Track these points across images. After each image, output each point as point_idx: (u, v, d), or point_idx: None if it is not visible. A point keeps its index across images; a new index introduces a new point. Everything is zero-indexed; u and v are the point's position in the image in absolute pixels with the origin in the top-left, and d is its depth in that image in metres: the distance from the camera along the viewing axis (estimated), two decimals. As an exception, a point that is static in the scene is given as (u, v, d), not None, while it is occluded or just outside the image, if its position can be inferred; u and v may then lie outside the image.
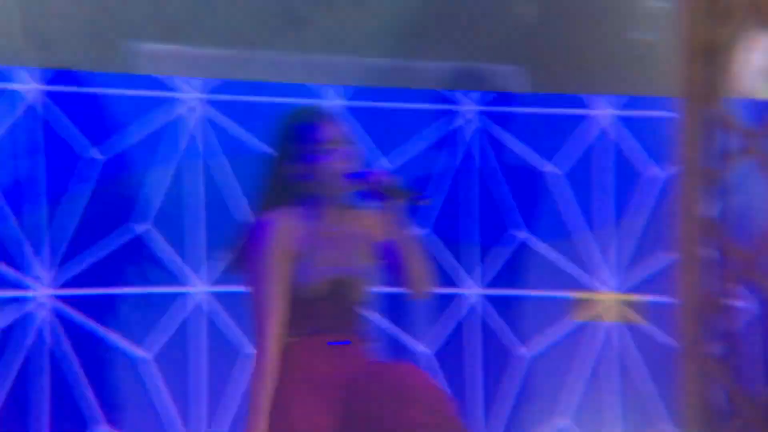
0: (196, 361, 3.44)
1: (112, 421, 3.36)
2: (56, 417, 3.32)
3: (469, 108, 3.57)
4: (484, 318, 3.58)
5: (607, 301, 3.61)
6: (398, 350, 3.52)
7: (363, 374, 2.34)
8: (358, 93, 3.58)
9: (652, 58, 3.38)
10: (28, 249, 3.32)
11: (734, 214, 2.41)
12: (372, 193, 2.33)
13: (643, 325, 3.59)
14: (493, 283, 3.58)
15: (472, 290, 3.57)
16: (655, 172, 3.60)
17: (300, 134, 2.38)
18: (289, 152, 2.39)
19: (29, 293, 3.32)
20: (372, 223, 2.39)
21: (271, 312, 2.36)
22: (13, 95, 3.34)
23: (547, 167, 3.65)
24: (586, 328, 3.61)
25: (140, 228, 3.40)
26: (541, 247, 3.58)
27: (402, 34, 3.52)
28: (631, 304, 3.60)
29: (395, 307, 3.47)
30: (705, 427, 2.22)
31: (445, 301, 3.56)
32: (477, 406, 3.55)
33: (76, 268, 3.37)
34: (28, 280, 3.32)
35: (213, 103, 3.51)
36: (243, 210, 3.48)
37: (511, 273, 3.60)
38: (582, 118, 3.62)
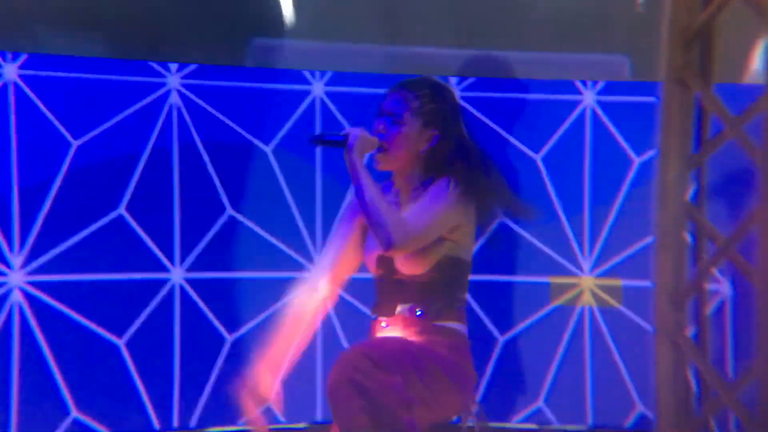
0: (169, 348, 3.43)
1: (84, 408, 3.34)
2: (26, 403, 3.29)
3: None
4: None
5: (582, 285, 3.63)
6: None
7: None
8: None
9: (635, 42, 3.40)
10: (-2, 233, 3.28)
11: (712, 199, 2.43)
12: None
13: (617, 309, 3.62)
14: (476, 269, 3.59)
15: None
16: (633, 156, 3.62)
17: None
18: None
19: (0, 279, 3.29)
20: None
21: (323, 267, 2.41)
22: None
23: (527, 151, 3.66)
24: (561, 311, 3.63)
25: (115, 213, 3.38)
26: (517, 231, 3.59)
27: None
28: (605, 288, 3.62)
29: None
30: (677, 409, 2.24)
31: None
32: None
33: (49, 253, 3.34)
34: (-1, 265, 3.29)
35: (189, 88, 3.48)
36: (218, 196, 3.47)
37: (487, 257, 3.61)
38: (562, 102, 3.63)
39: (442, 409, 2.32)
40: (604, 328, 3.65)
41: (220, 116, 3.51)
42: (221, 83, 3.52)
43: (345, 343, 3.54)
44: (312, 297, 2.40)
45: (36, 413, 3.29)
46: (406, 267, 2.32)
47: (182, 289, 3.44)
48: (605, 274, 3.64)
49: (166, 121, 3.47)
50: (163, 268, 3.42)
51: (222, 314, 3.49)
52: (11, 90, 3.32)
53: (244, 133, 3.54)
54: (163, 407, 3.42)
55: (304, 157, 3.56)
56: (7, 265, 3.31)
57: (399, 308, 2.34)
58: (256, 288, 3.52)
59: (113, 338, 3.39)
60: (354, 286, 3.60)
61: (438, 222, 2.33)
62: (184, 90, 3.48)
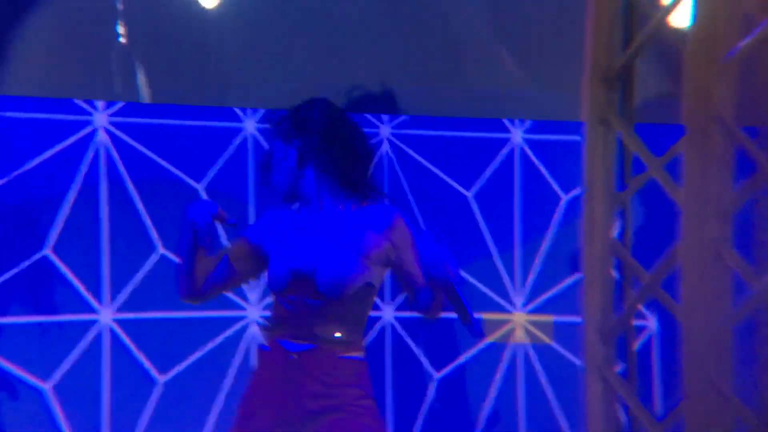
0: (97, 391, 3.35)
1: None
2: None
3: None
4: (393, 338, 3.58)
5: (514, 321, 3.66)
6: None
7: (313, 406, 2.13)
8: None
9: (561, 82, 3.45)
10: None
11: (637, 236, 2.47)
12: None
13: (549, 345, 3.65)
14: (404, 306, 3.59)
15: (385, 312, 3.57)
16: (561, 194, 3.67)
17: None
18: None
19: None
20: (378, 220, 2.19)
21: None
22: None
23: (458, 188, 3.69)
24: (494, 347, 3.65)
25: (39, 254, 3.30)
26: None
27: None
28: (537, 324, 3.65)
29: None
30: (609, 445, 2.26)
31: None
32: (388, 427, 3.54)
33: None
34: None
35: (119, 126, 3.43)
36: (149, 234, 3.42)
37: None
38: (491, 140, 3.67)
39: None
40: (536, 364, 3.68)
41: (150, 154, 3.47)
42: (150, 121, 3.48)
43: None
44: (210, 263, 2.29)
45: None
46: (330, 290, 2.20)
47: (111, 330, 3.37)
48: (537, 310, 3.67)
49: (93, 159, 3.41)
50: (91, 309, 3.35)
51: (153, 355, 3.42)
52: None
53: (174, 170, 3.50)
54: (91, 453, 3.33)
55: (235, 195, 3.53)
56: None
57: (317, 329, 2.19)
58: (188, 328, 3.46)
59: (38, 382, 3.29)
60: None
61: None
62: (111, 128, 3.43)
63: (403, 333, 3.60)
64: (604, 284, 2.42)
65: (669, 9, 2.26)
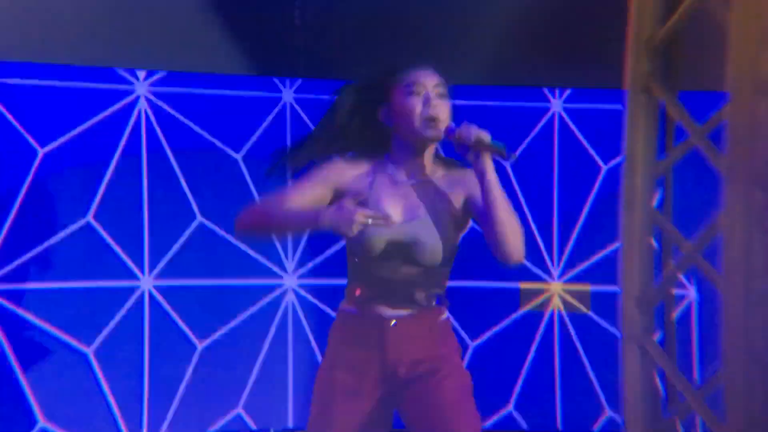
0: (139, 356, 3.40)
1: (51, 417, 3.30)
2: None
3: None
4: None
5: (551, 291, 3.66)
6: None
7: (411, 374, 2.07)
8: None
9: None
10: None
11: (677, 205, 2.46)
12: (461, 147, 2.10)
13: (586, 314, 3.65)
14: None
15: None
16: (601, 163, 3.65)
17: (393, 75, 2.16)
18: (375, 93, 2.15)
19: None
20: (460, 180, 2.15)
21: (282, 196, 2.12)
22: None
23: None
24: (531, 317, 3.66)
25: (82, 221, 3.35)
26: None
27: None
28: (574, 294, 3.65)
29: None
30: (645, 412, 2.27)
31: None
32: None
33: (15, 261, 3.30)
34: (-36, 274, 3.25)
35: (158, 96, 3.46)
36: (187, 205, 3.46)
37: (458, 263, 3.63)
38: (529, 109, 3.66)
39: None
40: (573, 334, 3.68)
41: (190, 123, 3.50)
42: (190, 90, 3.51)
43: (316, 350, 3.54)
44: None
45: (2, 423, 3.25)
46: (428, 259, 2.11)
47: (151, 296, 3.42)
48: (574, 279, 3.67)
49: (134, 128, 3.45)
50: (132, 276, 3.40)
51: (192, 322, 3.47)
52: (-23, 97, 3.29)
53: (213, 140, 3.52)
54: (133, 416, 3.40)
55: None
56: (-26, 273, 3.28)
57: (417, 295, 2.11)
58: (227, 295, 3.50)
59: (81, 347, 3.36)
60: (324, 292, 3.59)
61: None
62: (152, 97, 3.47)
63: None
64: (643, 253, 2.42)
65: (714, -24, 2.23)
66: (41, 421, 3.30)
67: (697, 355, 3.55)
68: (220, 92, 3.53)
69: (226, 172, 3.52)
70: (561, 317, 3.68)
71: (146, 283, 3.41)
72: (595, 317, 3.66)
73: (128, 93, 3.44)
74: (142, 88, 3.46)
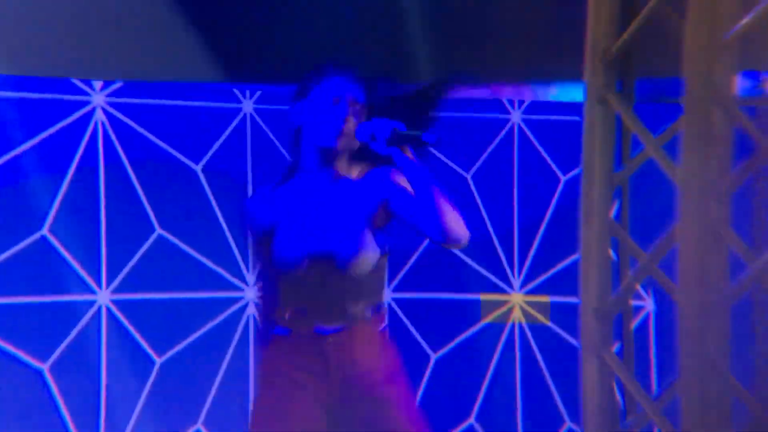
0: (96, 372, 3.35)
1: (6, 433, 3.24)
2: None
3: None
4: (391, 319, 3.59)
5: (512, 302, 3.66)
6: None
7: (353, 383, 2.04)
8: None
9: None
10: None
11: (635, 216, 2.48)
12: (376, 144, 2.06)
13: (546, 325, 3.66)
14: (401, 287, 3.60)
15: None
16: (560, 174, 3.68)
17: (315, 76, 2.12)
18: (296, 92, 2.13)
19: None
20: (377, 179, 2.09)
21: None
22: None
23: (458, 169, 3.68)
24: (492, 328, 3.66)
25: (37, 235, 3.30)
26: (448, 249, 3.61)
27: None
28: (539, 305, 3.66)
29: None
30: (603, 422, 2.27)
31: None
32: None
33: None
34: None
35: (115, 106, 3.43)
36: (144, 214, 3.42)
37: (418, 275, 3.62)
38: (489, 120, 3.67)
39: None
40: (533, 345, 3.69)
41: (148, 134, 3.46)
42: (148, 101, 3.47)
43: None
44: None
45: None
46: (356, 264, 2.05)
47: (109, 311, 3.37)
48: (534, 291, 3.68)
49: (91, 139, 3.41)
50: (89, 290, 3.35)
51: (151, 337, 3.43)
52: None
53: (172, 151, 3.49)
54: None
55: (234, 175, 3.52)
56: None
57: (350, 308, 2.06)
58: (186, 309, 3.47)
59: (36, 363, 3.30)
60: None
61: None
62: (109, 108, 3.43)
63: (400, 313, 3.61)
64: (601, 264, 2.43)
65: (669, -11, 2.26)
66: (-5, 439, 3.24)
67: (655, 366, 3.57)
68: (178, 103, 3.50)
69: (185, 183, 3.48)
70: (522, 329, 3.69)
71: (103, 297, 3.36)
72: (556, 328, 3.67)
73: (84, 104, 3.40)
74: (98, 98, 3.42)
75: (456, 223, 2.07)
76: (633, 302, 2.64)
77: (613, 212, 2.47)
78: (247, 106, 3.55)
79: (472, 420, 3.66)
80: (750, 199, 3.19)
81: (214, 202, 3.49)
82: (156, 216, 3.45)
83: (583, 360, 2.37)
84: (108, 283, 3.37)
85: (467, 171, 3.68)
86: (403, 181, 2.12)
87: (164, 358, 3.43)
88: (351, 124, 2.13)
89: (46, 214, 3.33)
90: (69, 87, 3.40)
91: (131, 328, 3.40)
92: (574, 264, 3.49)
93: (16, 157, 3.32)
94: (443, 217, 2.05)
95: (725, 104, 2.10)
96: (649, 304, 3.59)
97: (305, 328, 2.09)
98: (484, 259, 3.65)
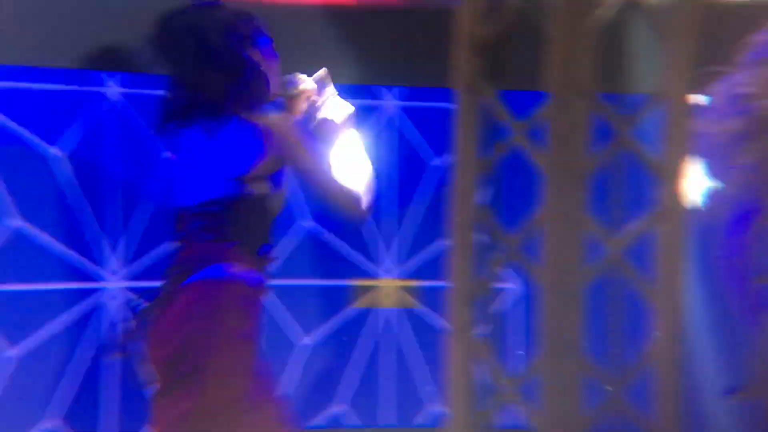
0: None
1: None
2: None
3: None
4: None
5: (387, 288, 3.69)
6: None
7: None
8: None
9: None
10: None
11: (503, 201, 2.52)
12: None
13: (419, 310, 3.71)
14: (281, 273, 3.57)
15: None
16: (435, 161, 3.72)
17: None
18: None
19: None
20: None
21: None
22: None
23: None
24: (363, 313, 3.68)
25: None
26: (325, 236, 3.60)
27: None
28: (410, 290, 3.70)
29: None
30: (468, 404, 2.31)
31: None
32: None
33: None
34: None
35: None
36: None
37: (294, 262, 3.60)
38: (369, 108, 3.67)
39: None
40: (405, 329, 3.73)
41: (5, 119, 3.31)
42: (6, 84, 3.32)
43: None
44: None
45: None
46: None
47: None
48: (406, 275, 3.72)
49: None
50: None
51: (7, 328, 3.29)
52: None
53: (32, 136, 3.35)
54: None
55: (101, 162, 3.41)
56: None
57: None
58: (43, 300, 3.34)
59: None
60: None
61: None
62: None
63: (274, 299, 3.58)
64: (468, 249, 2.46)
65: (536, -22, 2.30)
66: None
67: (522, 347, 3.66)
68: (39, 86, 3.36)
69: (46, 170, 3.35)
70: (393, 313, 3.72)
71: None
72: (427, 312, 3.72)
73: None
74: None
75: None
76: (500, 285, 2.69)
77: (481, 197, 2.50)
78: (113, 90, 3.45)
79: (344, 405, 3.67)
80: (608, 184, 3.32)
81: (75, 190, 3.38)
82: (16, 204, 3.31)
83: (448, 342, 2.41)
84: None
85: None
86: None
87: (19, 351, 3.30)
88: None
89: None
90: None
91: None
92: (445, 248, 3.54)
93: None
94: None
95: (586, 91, 2.16)
96: (516, 287, 3.68)
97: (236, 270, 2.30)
98: (356, 244, 3.66)
